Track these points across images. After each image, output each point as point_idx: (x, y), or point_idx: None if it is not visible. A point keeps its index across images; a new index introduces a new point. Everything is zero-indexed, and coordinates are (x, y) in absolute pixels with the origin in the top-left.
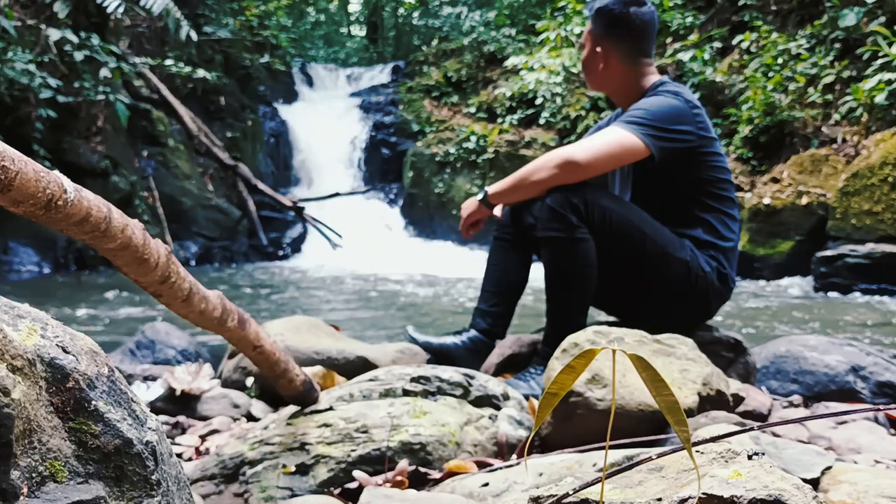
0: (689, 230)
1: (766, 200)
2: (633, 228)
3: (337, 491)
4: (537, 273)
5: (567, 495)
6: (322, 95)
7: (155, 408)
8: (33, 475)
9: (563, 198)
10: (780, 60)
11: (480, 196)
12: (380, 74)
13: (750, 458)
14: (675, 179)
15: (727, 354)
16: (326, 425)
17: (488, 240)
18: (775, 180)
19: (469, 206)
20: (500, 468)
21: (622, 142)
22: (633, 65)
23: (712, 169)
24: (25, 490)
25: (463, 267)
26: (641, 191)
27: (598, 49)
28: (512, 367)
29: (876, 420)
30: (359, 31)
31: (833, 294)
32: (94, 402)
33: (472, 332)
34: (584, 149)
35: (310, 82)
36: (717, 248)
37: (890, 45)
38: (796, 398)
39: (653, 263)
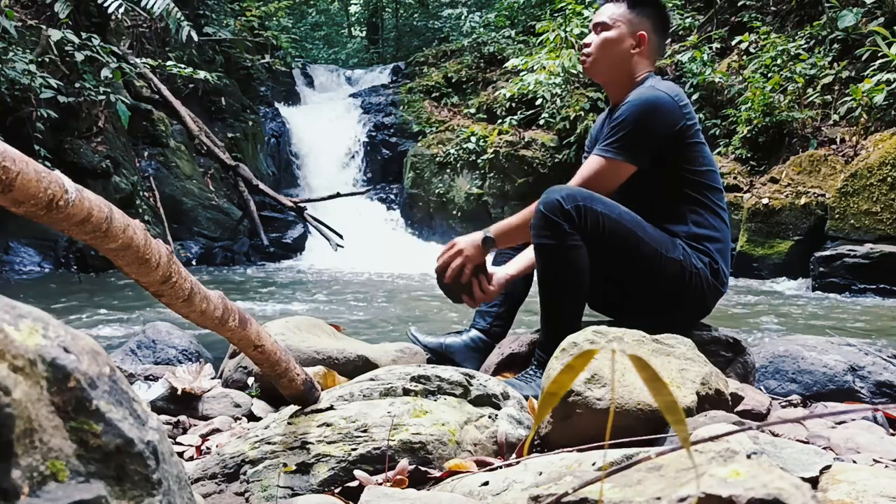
0: (680, 225)
1: (765, 201)
2: (627, 232)
3: (337, 490)
4: None
5: (566, 494)
6: (323, 96)
7: (156, 407)
8: (34, 474)
9: (556, 205)
10: (778, 61)
11: (482, 236)
12: (380, 75)
13: (749, 457)
14: (663, 172)
15: (726, 354)
16: (327, 424)
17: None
18: (774, 180)
19: (466, 245)
20: (500, 467)
21: (604, 173)
22: (651, 60)
23: (698, 159)
24: (26, 489)
25: None
26: (631, 186)
27: (641, 33)
28: (512, 366)
29: (874, 420)
30: (359, 32)
31: (832, 294)
32: (95, 402)
33: (473, 332)
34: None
35: (311, 83)
36: (710, 241)
37: (889, 45)
38: (795, 398)
39: (647, 266)
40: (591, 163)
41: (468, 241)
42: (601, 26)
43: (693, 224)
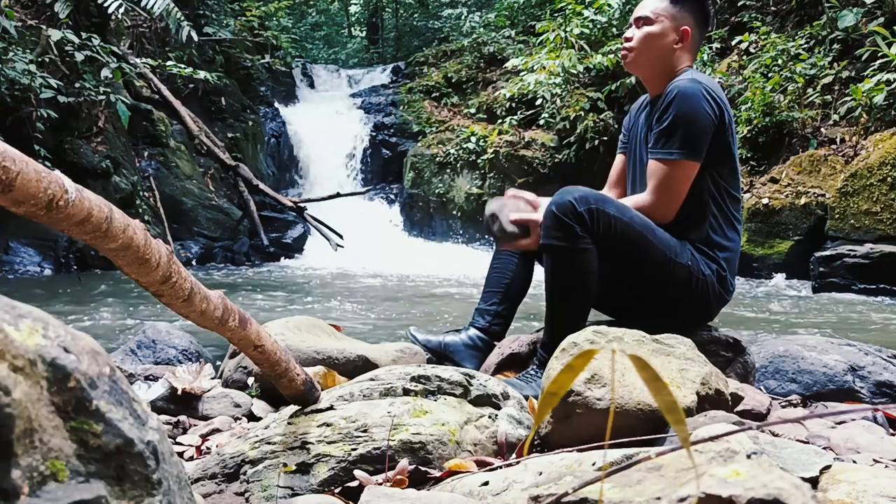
0: (696, 230)
1: (765, 200)
2: (637, 236)
3: (337, 490)
4: (539, 276)
5: (566, 494)
6: (323, 96)
7: (156, 407)
8: (34, 474)
9: (569, 207)
10: (779, 61)
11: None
12: (380, 75)
13: (749, 457)
14: (702, 169)
15: (726, 354)
16: (327, 424)
17: (489, 240)
18: (774, 180)
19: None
20: (500, 467)
21: (678, 177)
22: (692, 55)
23: (727, 163)
24: (26, 489)
25: (463, 267)
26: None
27: (684, 28)
28: (512, 366)
29: (874, 420)
30: (359, 33)
31: (831, 294)
32: (95, 402)
33: (472, 331)
34: (667, 206)
35: (311, 83)
36: (721, 250)
37: (889, 45)
38: (795, 398)
39: (655, 270)
40: (660, 171)
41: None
42: (643, 20)
43: (709, 230)
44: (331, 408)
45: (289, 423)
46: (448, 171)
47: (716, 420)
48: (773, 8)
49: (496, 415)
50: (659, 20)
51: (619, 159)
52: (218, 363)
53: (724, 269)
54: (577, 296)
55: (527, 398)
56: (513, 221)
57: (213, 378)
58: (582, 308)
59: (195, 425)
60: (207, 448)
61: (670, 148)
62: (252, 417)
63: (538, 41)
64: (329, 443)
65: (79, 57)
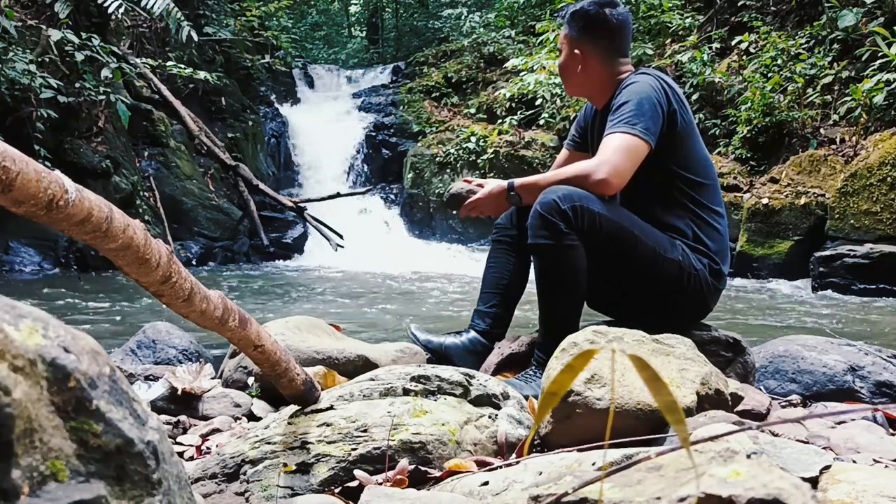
0: (678, 228)
1: (765, 201)
2: (624, 231)
3: (337, 490)
4: None
5: (566, 494)
6: (323, 96)
7: (156, 407)
8: (34, 474)
9: (553, 205)
10: (778, 61)
11: (507, 191)
12: (380, 75)
13: (749, 457)
14: (656, 174)
15: (726, 354)
16: (327, 424)
17: (488, 240)
18: (774, 180)
19: (494, 192)
20: (500, 467)
21: (636, 150)
22: (611, 64)
23: (689, 153)
24: (27, 489)
25: (463, 266)
26: (627, 190)
27: (577, 52)
28: (512, 366)
29: (874, 420)
30: (359, 33)
31: (831, 294)
32: (95, 402)
33: (472, 334)
34: (610, 168)
35: (311, 83)
36: (710, 241)
37: (889, 45)
38: (795, 398)
39: (645, 265)
40: (622, 140)
41: (496, 190)
42: (559, 50)
43: (694, 226)
44: (331, 408)
45: (289, 423)
46: (448, 171)
47: (716, 420)
48: (773, 8)
49: (496, 415)
50: (562, 48)
51: (563, 154)
52: (218, 363)
53: (716, 261)
54: (567, 293)
55: (527, 398)
56: (454, 194)
57: (213, 378)
58: (573, 305)
59: (195, 425)
60: (207, 448)
61: (628, 124)
62: (252, 417)
63: (538, 41)
64: (329, 443)
65: (79, 57)
